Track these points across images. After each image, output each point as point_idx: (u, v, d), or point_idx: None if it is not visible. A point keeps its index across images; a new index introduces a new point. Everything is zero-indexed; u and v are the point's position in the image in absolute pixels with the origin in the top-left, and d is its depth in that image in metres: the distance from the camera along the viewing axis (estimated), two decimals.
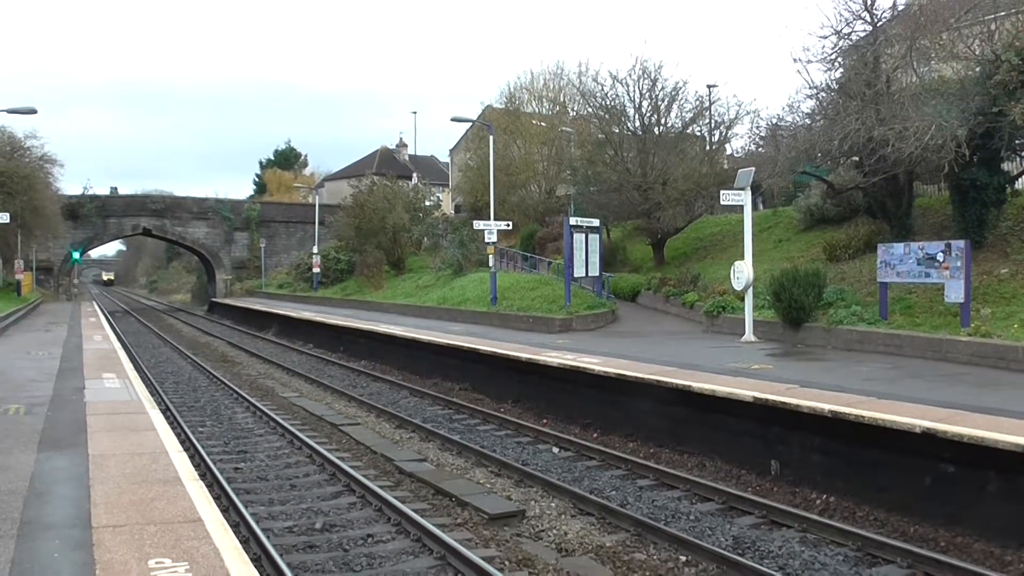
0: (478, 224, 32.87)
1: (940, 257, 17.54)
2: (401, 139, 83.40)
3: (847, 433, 10.82)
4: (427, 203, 55.96)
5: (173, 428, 12.87)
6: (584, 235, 27.52)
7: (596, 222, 29.02)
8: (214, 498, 8.34)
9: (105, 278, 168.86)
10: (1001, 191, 19.92)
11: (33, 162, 48.70)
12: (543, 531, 10.07)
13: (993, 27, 20.73)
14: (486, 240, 31.72)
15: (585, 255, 27.52)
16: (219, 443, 15.25)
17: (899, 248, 18.77)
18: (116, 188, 62.91)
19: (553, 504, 11.11)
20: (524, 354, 18.81)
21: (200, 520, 6.91)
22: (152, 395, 16.22)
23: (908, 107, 19.48)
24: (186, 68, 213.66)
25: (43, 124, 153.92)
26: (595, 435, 15.26)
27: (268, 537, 9.30)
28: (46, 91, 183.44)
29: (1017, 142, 19.53)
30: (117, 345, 24.48)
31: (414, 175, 69.26)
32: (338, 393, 21.27)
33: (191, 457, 11.09)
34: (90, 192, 61.63)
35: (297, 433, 15.52)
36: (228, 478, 12.13)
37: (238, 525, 9.64)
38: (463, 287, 36.18)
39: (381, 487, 11.60)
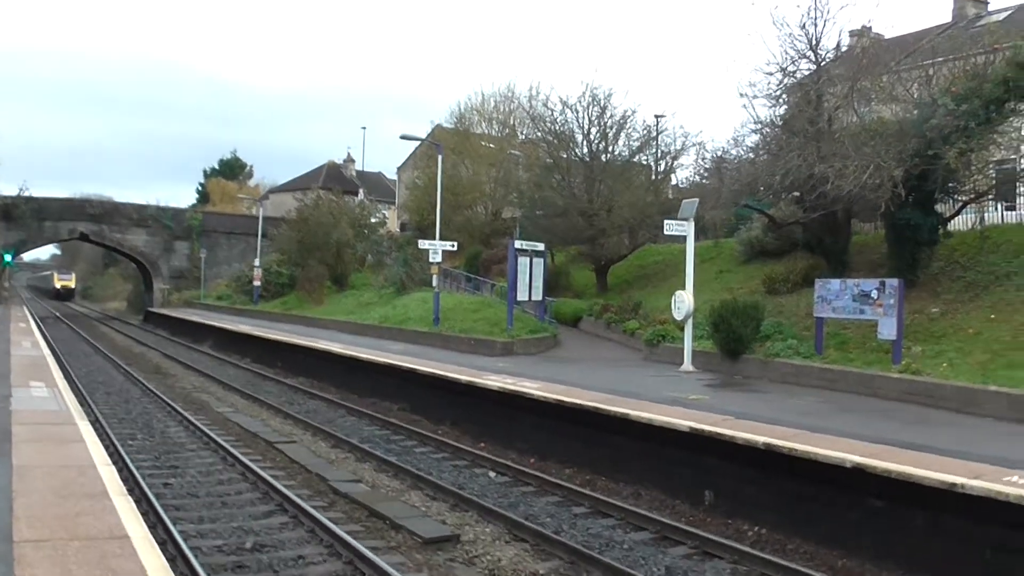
0: (423, 243, 32.82)
1: (874, 295, 17.95)
2: (349, 154, 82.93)
3: (780, 465, 10.98)
4: (373, 220, 55.66)
5: (102, 440, 12.55)
6: (529, 259, 27.59)
7: (541, 246, 29.13)
8: (142, 514, 8.18)
9: (60, 285, 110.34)
10: (934, 232, 20.47)
11: None
12: (477, 556, 10.02)
13: (931, 72, 21.39)
14: (431, 260, 31.66)
15: (529, 279, 27.57)
16: (149, 457, 14.93)
17: (835, 284, 19.17)
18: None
19: (488, 529, 11.06)
20: (464, 376, 18.77)
21: (127, 536, 6.76)
22: (82, 405, 15.81)
23: (848, 146, 19.96)
24: (131, 69, 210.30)
25: None
26: (532, 460, 15.25)
27: (196, 556, 9.11)
28: None
29: (951, 185, 20.12)
30: (47, 352, 23.89)
31: (360, 191, 68.95)
32: (274, 409, 20.98)
33: (120, 471, 10.84)
34: (26, 193, 60.10)
35: (230, 449, 15.27)
36: (157, 494, 11.87)
37: (165, 543, 9.42)
38: (405, 306, 36.02)
39: (314, 507, 11.45)
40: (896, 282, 17.77)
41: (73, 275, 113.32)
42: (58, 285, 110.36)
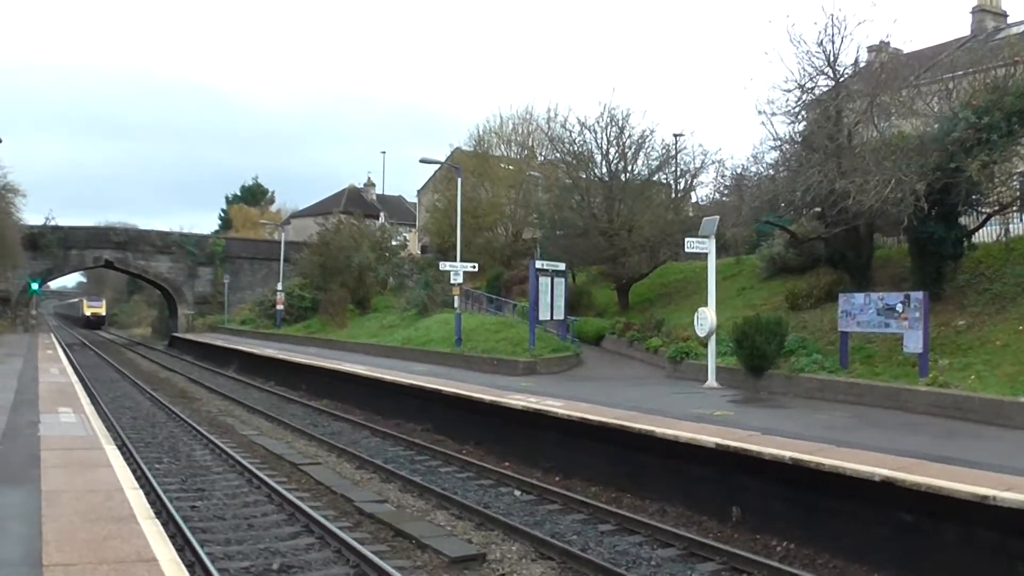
0: (444, 265, 32.91)
1: (899, 308, 17.83)
2: (369, 178, 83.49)
3: (808, 480, 10.89)
4: (394, 243, 55.93)
5: (129, 464, 12.65)
6: (550, 279, 27.61)
7: (562, 266, 29.14)
8: (169, 537, 8.20)
9: (90, 312, 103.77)
10: (958, 245, 20.30)
11: None
12: (504, 575, 9.99)
13: (951, 86, 21.29)
14: (452, 281, 31.72)
15: (550, 298, 27.59)
16: (176, 480, 15.01)
17: (859, 298, 19.05)
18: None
19: (514, 548, 11.02)
20: (487, 396, 18.77)
21: (155, 559, 6.79)
22: (108, 430, 15.94)
23: (869, 161, 19.87)
24: (154, 96, 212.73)
25: (5, 152, 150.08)
26: (557, 479, 15.20)
27: None
28: (8, 117, 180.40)
29: (974, 197, 19.94)
30: (74, 378, 24.08)
31: (381, 214, 69.29)
32: (299, 432, 21.05)
33: (147, 495, 10.91)
34: (52, 223, 60.83)
35: (256, 472, 15.33)
36: (184, 516, 11.92)
37: (193, 565, 9.46)
38: (428, 328, 36.09)
39: (340, 528, 11.47)
40: (921, 295, 17.64)
41: (103, 302, 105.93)
42: (88, 312, 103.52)
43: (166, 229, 67.85)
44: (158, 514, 10.27)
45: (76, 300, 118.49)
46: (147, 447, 18.50)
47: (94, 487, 9.38)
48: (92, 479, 9.85)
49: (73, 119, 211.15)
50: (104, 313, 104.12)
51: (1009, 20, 35.65)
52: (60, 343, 48.91)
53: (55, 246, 59.61)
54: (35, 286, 59.63)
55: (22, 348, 37.15)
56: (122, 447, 16.48)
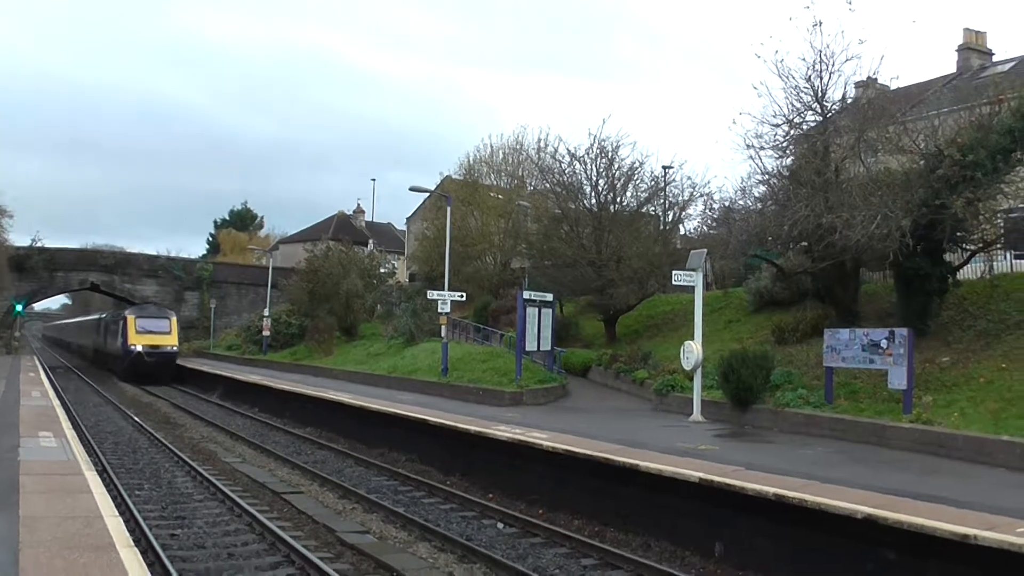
0: (432, 294, 32.91)
1: (884, 344, 17.89)
2: (359, 205, 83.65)
3: (791, 516, 10.87)
4: (382, 270, 55.90)
5: (110, 491, 12.55)
6: (537, 309, 27.63)
7: (549, 296, 29.17)
8: (148, 565, 8.14)
9: (142, 344, 48.59)
10: (944, 281, 20.43)
11: None
12: None
13: (937, 123, 21.48)
14: (439, 310, 31.71)
15: (537, 329, 27.59)
16: (156, 508, 14.88)
17: (845, 334, 19.12)
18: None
19: None
20: (472, 427, 18.71)
21: None
22: (90, 455, 15.83)
23: (855, 196, 20.02)
24: (144, 120, 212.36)
25: None
26: (541, 511, 15.13)
27: None
28: None
29: (959, 234, 20.11)
30: (56, 402, 23.91)
31: (370, 242, 69.36)
32: (282, 460, 20.92)
33: (127, 522, 10.80)
34: (39, 244, 60.57)
35: (237, 500, 15.21)
36: (164, 544, 11.81)
37: None
38: (414, 356, 36.01)
39: (321, 559, 11.38)
40: (906, 331, 17.71)
41: (172, 321, 52.13)
42: (138, 345, 49.36)
43: (153, 253, 67.57)
44: (137, 542, 10.16)
45: (102, 316, 66.70)
46: (128, 473, 18.35)
47: (73, 514, 9.30)
48: (72, 505, 9.76)
49: (55, 139, 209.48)
50: (175, 346, 51.85)
51: (994, 58, 36.09)
52: (43, 365, 48.57)
53: (41, 268, 59.32)
54: (19, 308, 59.26)
55: (4, 371, 36.86)
56: (102, 473, 16.34)
